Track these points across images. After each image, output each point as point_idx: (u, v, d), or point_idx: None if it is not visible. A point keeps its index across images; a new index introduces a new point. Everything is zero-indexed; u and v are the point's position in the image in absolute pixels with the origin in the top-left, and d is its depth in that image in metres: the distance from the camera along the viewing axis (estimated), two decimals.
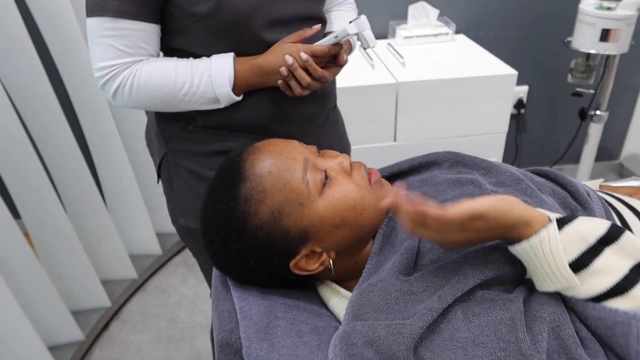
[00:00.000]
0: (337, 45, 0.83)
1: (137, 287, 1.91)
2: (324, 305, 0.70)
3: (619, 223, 0.71)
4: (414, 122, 1.65)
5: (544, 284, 0.56)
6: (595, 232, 0.55)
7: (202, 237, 0.67)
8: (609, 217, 0.70)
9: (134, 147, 1.80)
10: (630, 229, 0.70)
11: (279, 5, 0.84)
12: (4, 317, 1.36)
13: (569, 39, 1.84)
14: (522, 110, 2.19)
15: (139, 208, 1.88)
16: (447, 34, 1.89)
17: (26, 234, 1.48)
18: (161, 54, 0.89)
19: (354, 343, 0.56)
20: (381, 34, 1.96)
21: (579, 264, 0.53)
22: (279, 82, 0.84)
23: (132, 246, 1.95)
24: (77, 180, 1.64)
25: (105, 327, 1.76)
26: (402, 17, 1.92)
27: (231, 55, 0.83)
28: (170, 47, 0.87)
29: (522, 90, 2.15)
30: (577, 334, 0.55)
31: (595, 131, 1.97)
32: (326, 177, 0.65)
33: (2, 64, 1.38)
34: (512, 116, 2.21)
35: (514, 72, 1.63)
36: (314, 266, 0.65)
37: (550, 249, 0.53)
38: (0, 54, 1.36)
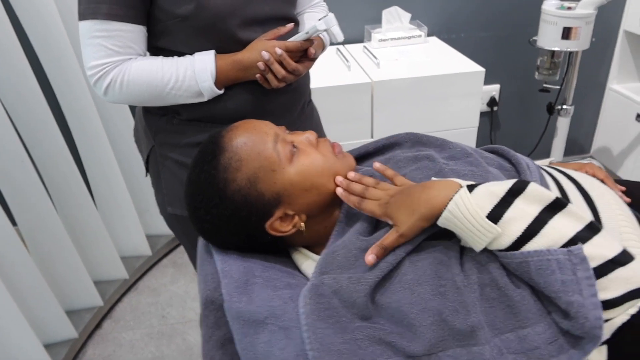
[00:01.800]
0: (309, 40, 0.92)
1: (129, 287, 1.97)
2: (297, 269, 0.78)
3: (558, 192, 0.79)
4: (389, 119, 1.74)
5: (476, 243, 0.63)
6: (503, 188, 0.63)
7: (187, 207, 0.75)
8: (543, 184, 0.78)
9: (122, 151, 1.87)
10: (568, 198, 0.79)
11: (254, 7, 0.93)
12: (2, 316, 1.41)
13: (534, 38, 1.95)
14: (495, 108, 2.30)
15: (129, 211, 1.95)
16: (419, 36, 1.99)
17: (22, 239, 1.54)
18: (148, 53, 0.97)
19: (321, 294, 0.64)
20: (357, 38, 2.06)
21: (495, 216, 0.62)
22: (257, 75, 0.92)
23: (123, 248, 2.01)
24: (68, 185, 1.71)
25: (98, 325, 1.82)
26: (377, 21, 2.02)
27: (212, 52, 0.92)
28: (156, 47, 0.95)
29: (494, 89, 2.26)
30: (504, 269, 0.63)
31: (563, 125, 2.08)
32: (295, 148, 0.74)
33: None
34: (486, 114, 2.31)
35: (481, 70, 1.73)
36: (287, 228, 0.74)
37: (467, 208, 0.62)
38: None
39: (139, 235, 2.01)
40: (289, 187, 0.72)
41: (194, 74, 0.90)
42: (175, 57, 0.92)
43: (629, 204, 0.91)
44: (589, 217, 0.63)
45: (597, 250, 0.59)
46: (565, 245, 0.60)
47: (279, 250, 0.80)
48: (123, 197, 1.91)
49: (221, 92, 0.94)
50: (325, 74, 1.72)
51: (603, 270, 0.58)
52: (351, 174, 0.77)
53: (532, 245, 0.60)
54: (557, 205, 0.62)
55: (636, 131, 2.21)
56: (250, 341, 0.65)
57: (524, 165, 0.82)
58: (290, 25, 0.94)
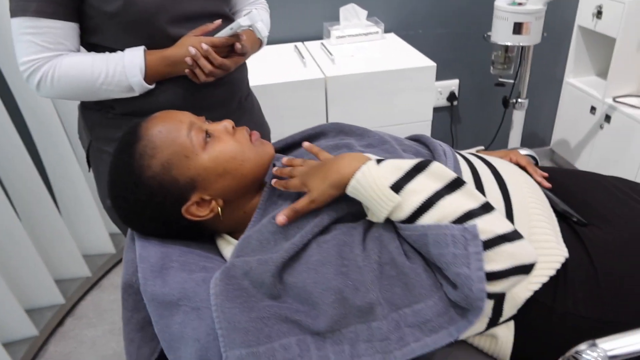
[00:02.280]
0: (235, 36, 0.95)
1: (92, 284, 1.98)
2: (220, 255, 0.81)
3: (471, 176, 0.83)
4: (344, 114, 1.78)
5: (377, 212, 0.67)
6: (408, 163, 0.68)
7: (108, 194, 0.77)
8: (456, 169, 0.82)
9: (82, 149, 1.88)
10: (481, 182, 0.83)
11: (183, 4, 0.95)
12: None
13: (488, 33, 2.00)
14: (455, 102, 2.35)
15: (91, 209, 1.96)
16: (376, 32, 2.03)
17: None
18: (83, 49, 0.99)
19: (232, 275, 0.67)
20: (316, 35, 2.09)
21: (397, 187, 0.66)
22: (186, 70, 0.95)
23: (86, 246, 2.02)
24: (27, 184, 1.71)
25: (60, 323, 1.82)
26: (335, 18, 2.05)
27: (142, 48, 0.94)
28: (89, 43, 0.97)
29: (454, 84, 2.31)
30: (402, 248, 0.67)
31: (518, 117, 2.13)
32: (209, 136, 0.77)
33: None
34: (446, 108, 2.36)
35: (432, 64, 1.77)
36: (204, 212, 0.76)
37: (372, 177, 0.66)
38: None
39: (102, 233, 2.02)
40: (203, 172, 0.75)
41: (124, 69, 0.92)
42: (107, 53, 0.95)
43: (551, 189, 0.96)
44: (483, 198, 0.66)
45: (488, 226, 0.63)
46: (459, 221, 0.63)
47: (203, 237, 0.82)
48: (85, 196, 1.92)
49: (152, 87, 0.97)
50: (281, 70, 1.75)
51: (491, 244, 0.62)
52: (284, 159, 0.81)
53: (427, 218, 0.64)
54: (456, 184, 0.66)
55: (591, 123, 2.28)
56: (165, 322, 0.68)
57: (440, 151, 0.86)
58: (218, 21, 0.96)
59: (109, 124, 1.03)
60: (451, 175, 0.67)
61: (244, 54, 0.98)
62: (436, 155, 0.85)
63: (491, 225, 0.63)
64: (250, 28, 0.93)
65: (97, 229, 2.00)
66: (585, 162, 2.35)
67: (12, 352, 1.61)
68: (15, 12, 0.88)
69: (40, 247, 1.80)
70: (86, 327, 1.81)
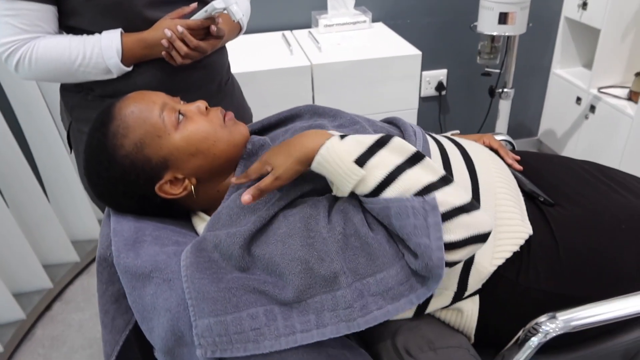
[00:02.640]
0: (211, 19, 0.96)
1: (80, 270, 2.00)
2: (194, 232, 0.83)
3: (439, 156, 0.86)
4: (330, 101, 1.79)
5: (342, 186, 0.69)
6: (371, 138, 0.70)
7: (84, 172, 0.79)
8: (425, 150, 0.85)
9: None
10: (449, 161, 0.85)
11: None
12: None
13: (475, 23, 2.01)
14: (443, 92, 2.37)
15: (79, 195, 1.97)
16: (364, 21, 2.05)
17: None
18: (63, 32, 1.00)
19: (203, 248, 0.69)
20: (304, 24, 2.10)
21: (361, 162, 0.68)
22: (163, 53, 0.97)
23: (75, 232, 2.04)
24: (14, 170, 1.72)
25: (48, 307, 1.85)
26: (323, 7, 2.07)
27: (119, 30, 0.96)
28: (67, 26, 0.99)
29: (442, 74, 2.32)
30: (366, 220, 0.69)
31: (504, 107, 2.15)
32: (182, 116, 0.79)
33: None
34: (434, 98, 2.38)
35: (418, 53, 1.79)
36: (177, 191, 0.78)
37: (336, 152, 0.68)
38: None
39: (90, 218, 2.03)
40: (175, 151, 0.77)
41: (101, 50, 0.94)
42: (84, 36, 0.96)
43: (522, 172, 0.98)
44: (442, 171, 0.69)
45: (446, 197, 0.65)
46: (420, 194, 0.66)
47: (178, 214, 0.84)
48: (73, 182, 1.93)
49: (129, 69, 0.98)
50: (267, 58, 1.77)
51: (449, 215, 0.65)
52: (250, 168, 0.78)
53: (390, 192, 0.67)
54: (416, 158, 0.69)
55: (576, 114, 2.30)
56: (138, 294, 0.70)
57: (411, 132, 0.88)
58: (194, 4, 0.98)
59: (88, 106, 1.04)
60: (411, 149, 0.70)
61: (220, 37, 1.00)
62: (406, 135, 0.87)
63: (449, 196, 0.66)
64: (225, 11, 0.95)
65: (86, 214, 2.02)
66: (571, 152, 2.38)
67: (0, 334, 1.63)
68: None
69: (29, 233, 1.81)
70: (74, 311, 1.83)
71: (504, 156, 0.99)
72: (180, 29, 0.93)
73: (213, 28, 0.97)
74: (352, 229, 0.68)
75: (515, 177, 0.92)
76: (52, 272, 1.90)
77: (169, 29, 0.93)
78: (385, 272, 0.66)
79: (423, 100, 2.36)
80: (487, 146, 1.02)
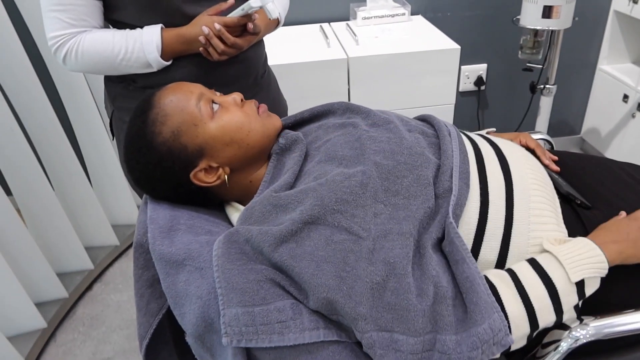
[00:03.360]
0: (247, 16, 0.98)
1: (120, 253, 2.08)
2: (228, 221, 0.85)
3: (474, 156, 0.85)
4: (366, 95, 1.79)
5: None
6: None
7: (123, 158, 0.83)
8: (461, 149, 0.84)
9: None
10: (483, 161, 0.84)
11: None
12: None
13: (517, 17, 1.96)
14: (482, 87, 2.32)
15: (121, 181, 2.04)
16: (403, 14, 2.03)
17: (17, 209, 1.65)
18: (109, 25, 1.04)
19: (235, 240, 0.71)
20: (343, 16, 2.10)
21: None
22: (200, 49, 0.99)
23: (115, 216, 2.11)
24: (60, 155, 1.80)
25: (89, 287, 1.93)
26: None
27: (159, 26, 0.99)
28: (112, 19, 1.03)
29: (481, 68, 2.28)
30: (417, 285, 0.68)
31: (545, 104, 2.10)
32: (218, 106, 0.81)
33: None
34: (473, 93, 2.34)
35: (457, 47, 1.76)
36: (211, 179, 0.81)
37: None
38: None
39: (130, 204, 2.11)
40: (210, 140, 0.79)
41: (142, 45, 0.97)
42: (127, 30, 1.00)
43: (559, 173, 0.96)
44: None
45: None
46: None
47: (212, 203, 0.87)
48: (114, 167, 2.00)
49: (168, 63, 1.01)
50: (304, 50, 1.78)
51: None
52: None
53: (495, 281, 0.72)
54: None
55: (623, 112, 2.22)
56: (172, 280, 0.73)
57: (445, 131, 0.87)
58: (231, 1, 1.00)
59: (129, 96, 1.08)
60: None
61: (257, 34, 1.01)
62: (440, 135, 0.87)
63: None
64: (262, 8, 0.96)
65: (126, 200, 2.09)
66: (616, 152, 2.30)
67: (44, 311, 1.72)
68: None
69: (72, 216, 1.90)
70: (113, 292, 1.91)
71: (541, 156, 0.97)
72: (217, 26, 0.95)
73: (250, 25, 0.98)
74: (394, 285, 0.67)
75: (552, 178, 0.90)
76: (93, 254, 1.98)
77: (206, 26, 0.95)
78: (405, 336, 0.65)
79: (461, 95, 2.32)
80: (523, 145, 1.00)
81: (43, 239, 1.79)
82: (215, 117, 0.80)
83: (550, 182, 0.88)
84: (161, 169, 0.79)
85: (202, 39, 0.96)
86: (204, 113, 0.79)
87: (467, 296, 0.67)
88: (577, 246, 0.74)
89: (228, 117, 0.81)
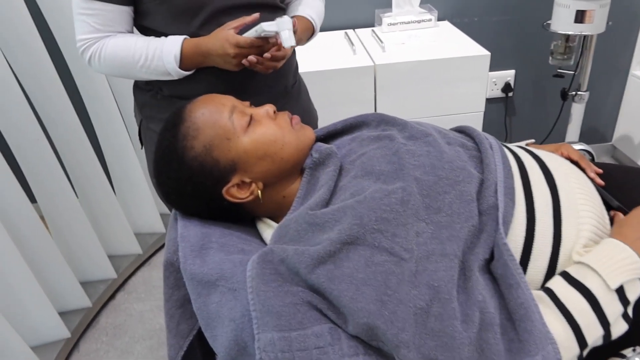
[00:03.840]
0: (263, 39, 0.93)
1: (142, 261, 2.07)
2: (260, 238, 0.82)
3: (518, 169, 0.80)
4: (393, 102, 1.75)
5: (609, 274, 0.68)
6: None
7: (153, 172, 0.80)
8: (505, 163, 0.79)
9: (136, 131, 1.95)
10: (527, 175, 0.80)
11: None
12: (19, 285, 1.52)
13: (548, 22, 1.91)
14: (510, 94, 2.27)
15: (144, 189, 2.04)
16: (430, 20, 1.99)
17: (41, 216, 1.65)
18: (136, 31, 1.03)
19: (269, 260, 0.68)
20: (368, 22, 2.06)
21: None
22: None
23: (138, 225, 2.11)
24: (84, 163, 1.80)
25: (112, 296, 1.92)
26: (387, 5, 2.02)
27: (182, 37, 0.97)
28: (141, 26, 1.02)
29: (509, 74, 2.22)
30: (462, 311, 0.64)
31: (577, 111, 2.03)
32: (251, 119, 0.78)
33: (11, 52, 1.54)
34: (501, 99, 2.28)
35: (486, 53, 1.71)
36: (244, 195, 0.78)
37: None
38: (8, 43, 1.52)
39: (153, 212, 2.10)
40: (243, 155, 0.76)
41: (162, 54, 0.96)
42: (150, 37, 0.99)
43: (605, 186, 0.91)
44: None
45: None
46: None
47: (244, 219, 0.84)
48: (138, 176, 2.00)
49: (188, 73, 1.00)
50: (330, 58, 1.75)
51: None
52: None
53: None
54: None
55: None
56: (203, 301, 0.70)
57: (487, 144, 0.83)
58: (256, 15, 0.95)
59: (157, 105, 1.07)
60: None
61: (289, 49, 0.97)
62: (482, 148, 0.82)
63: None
64: (276, 35, 0.91)
65: (149, 208, 2.08)
66: None
67: (67, 321, 1.71)
68: None
69: (96, 224, 1.89)
70: (136, 302, 1.90)
71: (585, 169, 0.92)
72: (254, 58, 0.92)
73: (267, 55, 0.94)
74: (438, 310, 0.63)
75: (598, 192, 0.85)
76: (116, 262, 1.97)
77: (227, 41, 0.92)
78: None
79: (488, 101, 2.26)
80: (565, 157, 0.95)
81: (67, 247, 1.79)
82: (248, 130, 0.77)
83: (598, 197, 0.83)
84: (192, 184, 0.76)
85: (245, 62, 0.94)
86: (236, 126, 0.76)
87: (521, 324, 0.63)
88: (607, 250, 0.70)
89: (261, 130, 0.78)
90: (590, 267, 0.68)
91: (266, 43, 0.94)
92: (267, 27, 0.90)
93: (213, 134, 0.75)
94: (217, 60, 0.96)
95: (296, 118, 0.83)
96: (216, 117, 0.76)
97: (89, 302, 1.79)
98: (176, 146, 0.76)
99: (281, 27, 0.90)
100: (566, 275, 0.69)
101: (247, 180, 0.77)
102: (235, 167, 0.76)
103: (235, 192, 0.77)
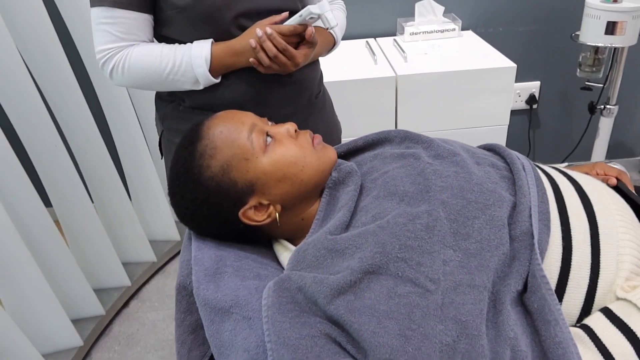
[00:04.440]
0: (303, 25, 0.92)
1: (157, 269, 2.05)
2: (276, 260, 0.78)
3: (553, 193, 0.76)
4: (414, 114, 1.71)
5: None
6: None
7: (168, 191, 0.77)
8: (539, 186, 0.75)
9: (153, 137, 1.94)
10: (564, 199, 0.75)
11: (253, 0, 0.93)
12: (34, 292, 1.51)
13: (577, 33, 1.85)
14: (535, 106, 2.20)
15: (160, 197, 2.02)
16: (453, 29, 1.94)
17: (56, 221, 1.63)
18: (155, 40, 1.00)
19: (286, 288, 0.64)
20: (389, 31, 2.03)
21: None
22: (251, 60, 0.93)
23: (153, 232, 2.09)
24: (101, 170, 1.79)
25: (126, 304, 1.90)
26: (410, 14, 1.98)
27: (210, 40, 0.94)
28: (160, 35, 0.99)
29: (534, 86, 2.16)
30: (491, 349, 0.59)
31: (605, 125, 1.97)
32: (271, 138, 0.75)
33: (32, 60, 1.54)
34: (525, 112, 2.22)
35: (512, 65, 1.66)
36: (261, 217, 0.74)
37: None
38: (30, 51, 1.52)
39: (168, 220, 2.08)
40: (262, 176, 0.73)
41: (190, 59, 0.93)
42: (176, 44, 0.96)
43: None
44: None
45: None
46: None
47: (260, 241, 0.80)
48: (154, 183, 1.98)
49: (217, 80, 0.96)
50: (351, 67, 1.71)
51: None
52: None
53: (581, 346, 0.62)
54: None
55: None
56: (216, 328, 0.66)
57: (519, 165, 0.78)
58: (285, 13, 0.94)
59: (179, 117, 1.05)
60: None
61: (314, 44, 0.95)
62: (514, 169, 0.78)
63: None
64: (320, 17, 0.90)
65: (164, 215, 2.07)
66: None
67: (80, 329, 1.70)
68: (93, 1, 0.92)
69: (111, 230, 1.88)
70: (149, 310, 1.87)
71: (627, 184, 0.87)
72: (269, 30, 0.89)
73: (309, 30, 0.91)
74: (465, 347, 0.58)
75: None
76: (130, 270, 1.96)
77: (260, 28, 0.90)
78: None
79: (512, 114, 2.20)
80: (602, 176, 0.90)
81: (81, 253, 1.77)
82: (267, 150, 0.74)
83: (638, 223, 0.78)
84: (208, 205, 0.73)
85: (252, 42, 0.90)
86: (256, 146, 0.73)
87: None
88: None
89: (281, 151, 0.74)
90: (638, 307, 0.63)
91: (305, 30, 0.93)
92: (314, 9, 0.89)
93: (231, 154, 0.72)
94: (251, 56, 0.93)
95: (318, 137, 0.79)
96: (235, 135, 0.73)
97: (102, 310, 1.77)
98: (192, 164, 0.73)
99: (324, 9, 0.89)
100: (608, 313, 0.64)
101: (265, 202, 0.74)
102: (253, 189, 0.73)
103: (252, 215, 0.74)
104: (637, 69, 2.15)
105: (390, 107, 1.69)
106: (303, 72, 1.03)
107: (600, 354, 0.61)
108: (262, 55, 0.91)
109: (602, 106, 1.93)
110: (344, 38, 2.00)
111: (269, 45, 0.90)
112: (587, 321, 0.65)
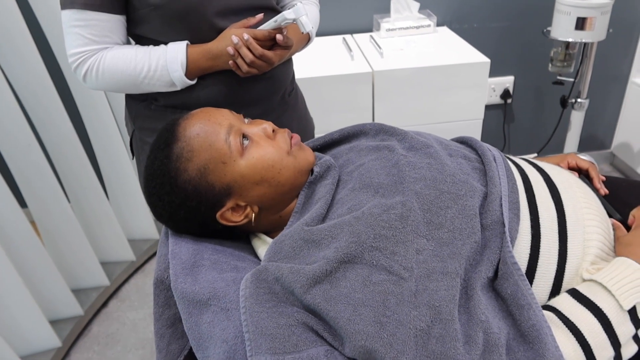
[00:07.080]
0: (278, 29, 0.92)
1: (136, 268, 2.03)
2: (254, 253, 0.79)
3: (522, 183, 0.78)
4: (391, 109, 1.73)
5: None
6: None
7: (143, 191, 0.77)
8: (509, 177, 0.77)
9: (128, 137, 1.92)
10: (532, 189, 0.77)
11: None
12: (9, 292, 1.49)
13: (548, 28, 1.89)
14: (509, 100, 2.25)
15: (138, 195, 2.00)
16: (428, 25, 1.96)
17: (32, 221, 1.61)
18: (132, 41, 1.00)
19: (263, 279, 0.65)
20: (366, 27, 2.04)
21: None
22: (230, 62, 0.93)
23: (131, 231, 2.07)
24: (77, 169, 1.77)
25: (105, 304, 1.88)
26: (386, 10, 2.00)
27: (185, 42, 0.94)
28: (135, 34, 0.98)
29: (508, 81, 2.20)
30: (464, 333, 0.61)
31: (577, 119, 2.02)
32: (248, 140, 0.75)
33: (4, 57, 1.51)
34: (499, 106, 2.26)
35: (486, 60, 1.69)
36: (238, 218, 0.75)
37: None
38: (1, 48, 1.49)
39: (146, 218, 2.06)
40: (240, 179, 0.73)
41: (166, 63, 0.92)
42: (150, 47, 0.95)
43: (609, 200, 0.89)
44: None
45: None
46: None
47: (237, 236, 0.81)
48: (132, 181, 1.96)
49: (193, 82, 0.96)
50: (327, 63, 1.72)
51: None
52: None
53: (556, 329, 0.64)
54: None
55: None
56: (195, 321, 0.67)
57: (490, 156, 0.80)
58: (260, 15, 0.94)
59: (151, 115, 1.03)
60: None
61: (288, 47, 0.96)
62: (485, 160, 0.80)
63: None
64: (295, 22, 0.91)
65: (143, 214, 2.05)
66: None
67: (58, 329, 1.68)
68: (64, 4, 0.90)
69: (88, 230, 1.86)
70: (129, 310, 1.86)
71: (594, 178, 0.90)
72: (245, 36, 0.89)
73: (279, 37, 0.92)
74: (439, 331, 0.60)
75: (603, 204, 0.83)
76: (109, 269, 1.94)
77: (235, 35, 0.90)
78: None
79: (487, 108, 2.24)
80: (572, 167, 0.93)
81: (58, 253, 1.75)
82: (245, 153, 0.74)
83: (604, 211, 0.81)
84: (185, 208, 0.73)
85: (230, 49, 0.91)
86: (233, 149, 0.73)
87: (533, 346, 0.60)
88: (619, 269, 0.67)
89: (259, 153, 0.74)
90: (603, 285, 0.65)
91: (280, 33, 0.93)
92: (288, 14, 0.89)
93: (208, 157, 0.72)
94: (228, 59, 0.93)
95: (296, 137, 0.80)
96: (212, 138, 0.72)
97: (81, 310, 1.75)
98: (169, 167, 0.72)
99: (299, 14, 0.90)
100: (575, 294, 0.67)
101: (242, 203, 0.74)
102: (230, 192, 0.73)
103: (230, 216, 0.74)
104: (607, 64, 2.21)
105: (367, 103, 1.71)
106: (276, 70, 1.03)
107: (570, 332, 0.63)
108: (240, 62, 0.92)
109: (574, 100, 1.98)
110: (320, 35, 2.01)
111: (245, 51, 0.90)
112: (553, 302, 0.68)
